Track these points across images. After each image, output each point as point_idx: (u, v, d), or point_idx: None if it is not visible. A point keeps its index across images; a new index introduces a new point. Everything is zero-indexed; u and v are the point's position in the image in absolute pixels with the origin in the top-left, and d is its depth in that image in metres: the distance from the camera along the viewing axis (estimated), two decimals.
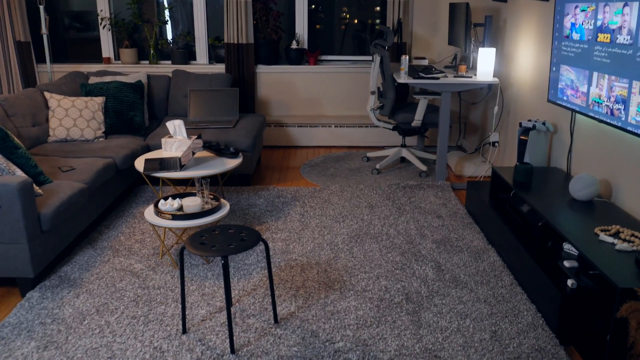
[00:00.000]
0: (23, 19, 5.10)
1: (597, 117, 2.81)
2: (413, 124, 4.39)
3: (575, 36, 3.00)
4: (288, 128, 5.36)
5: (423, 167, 4.51)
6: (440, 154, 4.26)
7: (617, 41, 2.60)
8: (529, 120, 3.48)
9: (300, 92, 5.46)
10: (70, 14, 5.46)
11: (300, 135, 5.39)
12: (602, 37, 2.74)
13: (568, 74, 3.10)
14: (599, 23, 2.76)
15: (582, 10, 2.93)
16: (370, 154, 4.94)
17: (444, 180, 4.31)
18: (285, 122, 5.35)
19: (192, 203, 2.96)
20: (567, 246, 2.66)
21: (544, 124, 3.42)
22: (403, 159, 4.94)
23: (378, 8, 5.48)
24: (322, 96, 5.48)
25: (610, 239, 2.39)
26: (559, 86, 3.21)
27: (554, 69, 3.27)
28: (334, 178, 4.47)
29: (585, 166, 3.11)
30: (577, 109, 3.00)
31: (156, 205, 3.01)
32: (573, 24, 3.03)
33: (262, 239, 2.34)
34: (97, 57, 5.51)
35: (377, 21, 5.48)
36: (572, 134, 3.24)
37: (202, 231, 2.41)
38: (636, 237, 2.41)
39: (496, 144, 4.40)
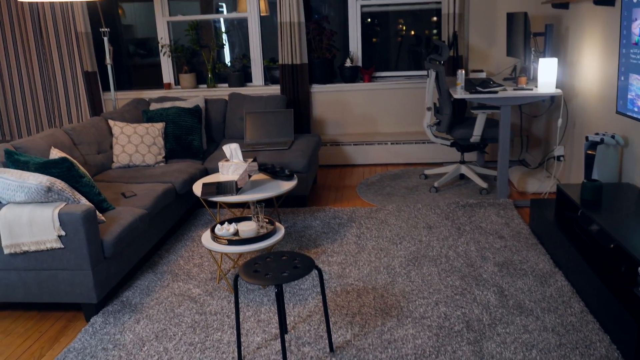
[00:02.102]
0: (90, 50, 5.36)
1: None
2: (472, 140, 4.25)
3: None
4: (344, 147, 5.34)
5: (483, 184, 4.35)
6: (502, 170, 4.10)
7: None
8: (597, 134, 3.28)
9: (355, 110, 5.43)
10: (134, 42, 5.70)
11: (356, 154, 5.35)
12: None
13: (639, 83, 2.90)
14: None
15: None
16: (428, 172, 4.82)
17: (506, 198, 4.14)
18: (340, 140, 5.33)
19: (247, 228, 2.97)
20: None
21: (613, 137, 3.22)
22: (462, 176, 4.79)
23: (435, 18, 5.38)
24: (377, 113, 5.43)
25: None
26: (629, 96, 3.01)
27: (622, 78, 3.08)
28: (390, 197, 4.39)
29: None
30: None
31: (213, 230, 3.05)
32: None
33: (315, 267, 2.31)
34: (159, 83, 5.71)
35: (434, 32, 5.38)
36: None
37: (256, 258, 2.40)
38: None
39: (561, 159, 4.19)
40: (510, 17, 4.58)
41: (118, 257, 2.97)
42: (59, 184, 2.80)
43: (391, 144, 5.30)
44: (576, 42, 3.97)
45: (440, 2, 5.21)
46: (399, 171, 5.09)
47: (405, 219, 3.88)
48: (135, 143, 4.12)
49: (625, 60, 3.03)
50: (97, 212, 2.96)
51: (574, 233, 3.02)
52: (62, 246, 2.69)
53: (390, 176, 4.95)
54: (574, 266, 2.82)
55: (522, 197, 4.28)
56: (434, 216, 3.91)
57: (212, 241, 2.99)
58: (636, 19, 2.89)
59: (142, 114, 4.43)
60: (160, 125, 4.26)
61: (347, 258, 3.32)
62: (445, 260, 3.22)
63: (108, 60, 4.69)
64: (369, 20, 5.42)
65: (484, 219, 3.80)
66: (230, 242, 2.92)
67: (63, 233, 2.67)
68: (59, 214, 2.66)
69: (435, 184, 4.47)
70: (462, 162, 4.60)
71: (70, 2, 4.90)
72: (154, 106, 4.63)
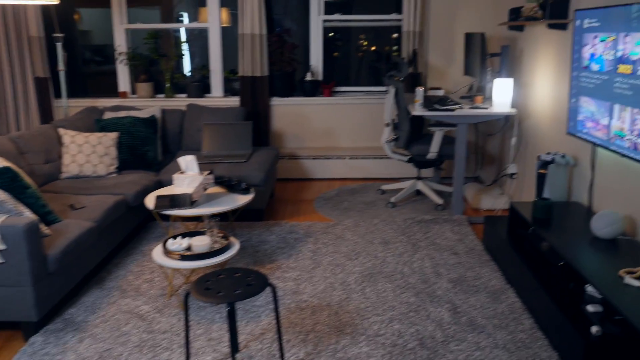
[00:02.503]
0: (42, 55, 5.18)
1: (619, 151, 2.69)
2: (428, 156, 4.29)
3: (595, 67, 2.90)
4: (302, 160, 5.31)
5: (439, 201, 4.39)
6: (457, 187, 4.15)
7: (639, 73, 2.49)
8: (548, 153, 3.36)
9: (315, 124, 5.43)
10: (91, 48, 5.55)
11: (314, 168, 5.33)
12: (623, 68, 2.63)
13: (588, 105, 2.99)
14: (619, 54, 2.67)
15: (602, 41, 2.83)
16: (385, 187, 4.84)
17: (461, 214, 4.19)
18: (299, 154, 5.31)
19: (200, 243, 2.90)
20: (590, 289, 2.52)
21: (563, 157, 3.30)
22: (418, 192, 4.84)
23: (395, 35, 5.45)
24: (336, 128, 5.43)
25: (636, 282, 2.25)
26: (579, 118, 3.10)
27: (573, 100, 3.17)
28: (348, 212, 4.38)
29: (608, 201, 2.98)
30: (598, 142, 2.88)
31: (165, 245, 2.96)
32: (592, 55, 2.94)
33: (269, 284, 2.26)
34: (115, 91, 5.56)
35: (395, 48, 5.43)
36: (593, 168, 3.11)
37: (208, 275, 2.33)
38: None
39: (514, 176, 4.28)
40: (469, 37, 4.68)
41: (63, 273, 2.84)
42: (1, 194, 2.67)
43: (349, 158, 5.30)
44: (530, 64, 4.09)
45: (401, 20, 5.28)
46: (357, 186, 5.10)
47: (361, 234, 3.87)
48: (87, 153, 3.98)
49: (576, 83, 3.13)
50: (43, 224, 2.83)
51: (525, 250, 3.07)
52: (3, 261, 2.56)
53: (348, 191, 4.95)
54: (525, 283, 2.87)
55: (476, 213, 4.35)
56: (390, 232, 3.92)
57: (164, 256, 2.90)
58: (587, 44, 2.99)
59: (95, 122, 4.30)
60: (113, 135, 4.13)
61: (302, 274, 3.27)
62: (400, 276, 3.22)
63: (61, 67, 4.54)
64: (331, 34, 5.45)
65: (439, 235, 3.83)
66: (183, 258, 2.84)
67: (3, 247, 2.53)
68: (0, 227, 2.53)
69: (392, 199, 4.49)
70: (419, 178, 4.65)
71: (24, 5, 4.72)
72: (108, 115, 4.50)
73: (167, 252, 2.87)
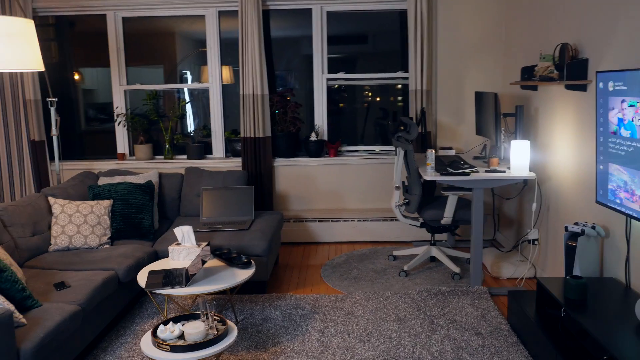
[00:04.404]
0: (39, 118, 5.03)
1: None
2: (442, 222, 4.02)
3: (625, 133, 2.66)
4: (308, 223, 5.04)
5: (456, 269, 4.09)
6: (475, 256, 3.85)
7: None
8: (576, 224, 3.08)
9: (321, 185, 5.19)
10: (95, 106, 5.40)
11: (321, 231, 5.05)
12: None
13: (619, 174, 2.73)
14: None
15: (631, 105, 2.60)
16: (397, 252, 4.55)
17: (480, 285, 3.87)
18: (305, 217, 5.04)
19: (194, 330, 2.59)
20: None
21: (593, 227, 3.02)
22: (433, 258, 4.53)
23: (400, 98, 5.28)
24: (343, 189, 5.19)
25: None
26: (609, 187, 2.83)
27: (600, 167, 2.91)
28: (357, 282, 4.07)
29: None
30: (635, 215, 2.61)
31: (155, 333, 2.65)
32: (621, 120, 2.70)
33: None
34: (114, 151, 5.36)
35: (399, 98, 5.24)
36: (628, 241, 2.82)
37: None
38: None
39: (536, 242, 3.98)
40: (479, 96, 4.49)
41: None
42: None
43: (358, 220, 5.03)
44: (547, 124, 3.86)
45: (407, 78, 5.12)
46: (367, 250, 4.80)
47: (373, 310, 3.55)
48: (77, 223, 3.73)
49: (603, 149, 2.88)
50: (18, 312, 2.54)
51: (558, 335, 2.74)
52: None
53: (357, 256, 4.65)
54: None
55: (497, 283, 4.03)
56: (404, 306, 3.59)
57: (153, 346, 2.59)
58: (614, 108, 2.76)
59: (88, 189, 4.07)
60: (107, 203, 3.89)
61: None
62: None
63: (54, 131, 4.36)
64: (336, 86, 5.28)
65: (459, 311, 3.50)
66: (174, 349, 2.53)
67: None
68: None
69: (405, 268, 4.19)
70: (433, 243, 4.35)
71: (20, 72, 4.59)
72: (102, 181, 4.27)
73: (157, 342, 2.57)
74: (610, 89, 2.79)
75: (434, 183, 4.56)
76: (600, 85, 2.88)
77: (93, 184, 4.15)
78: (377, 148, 5.30)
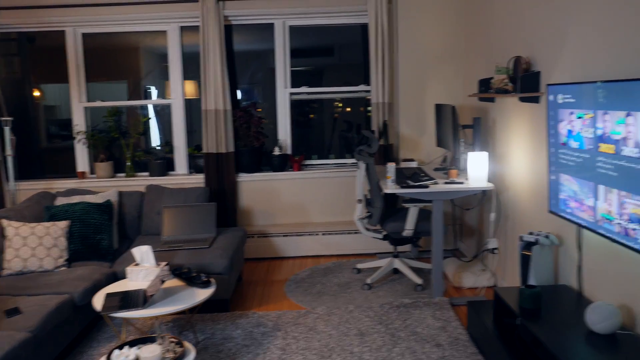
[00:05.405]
0: None
1: (608, 235, 2.47)
2: (404, 234, 4.04)
3: (574, 144, 2.73)
4: (273, 238, 5.02)
5: (418, 280, 4.11)
6: (436, 267, 3.88)
7: (623, 153, 2.31)
8: (531, 233, 3.14)
9: (285, 200, 5.17)
10: (57, 123, 5.28)
11: (286, 245, 5.03)
12: (605, 147, 2.45)
13: (570, 184, 2.79)
14: (599, 132, 2.49)
15: (579, 117, 2.67)
16: (361, 265, 4.55)
17: (442, 296, 3.90)
18: (269, 232, 5.01)
19: (149, 354, 2.55)
20: None
21: (547, 236, 3.08)
22: (396, 270, 4.55)
23: (370, 109, 5.32)
24: (308, 202, 5.19)
25: None
26: (561, 196, 2.90)
27: (552, 177, 2.98)
28: (321, 297, 4.06)
29: (599, 286, 2.73)
30: (585, 224, 2.67)
31: (109, 357, 2.59)
32: (570, 131, 2.77)
33: None
34: (74, 169, 5.25)
35: (368, 111, 5.28)
36: (580, 250, 2.88)
37: None
38: None
39: (495, 251, 4.04)
40: (439, 108, 4.55)
41: None
42: None
43: (322, 234, 5.03)
44: (504, 135, 3.94)
45: (369, 91, 5.16)
46: (331, 264, 4.80)
47: (335, 325, 3.54)
48: (32, 245, 3.63)
49: (554, 160, 2.95)
50: None
51: (514, 345, 2.77)
52: None
53: (322, 270, 4.64)
54: None
55: (459, 292, 4.07)
56: (366, 320, 3.59)
57: None
58: (563, 120, 2.83)
59: (45, 210, 3.97)
60: (63, 224, 3.80)
61: None
62: None
63: (8, 152, 4.25)
64: (303, 99, 5.29)
65: (420, 323, 3.52)
66: None
67: None
68: None
69: (368, 280, 4.19)
70: (396, 255, 4.38)
71: None
72: (60, 201, 4.18)
73: None
74: (560, 101, 2.86)
75: (395, 195, 4.60)
76: (551, 97, 2.95)
77: (50, 205, 4.05)
78: (341, 161, 5.32)
